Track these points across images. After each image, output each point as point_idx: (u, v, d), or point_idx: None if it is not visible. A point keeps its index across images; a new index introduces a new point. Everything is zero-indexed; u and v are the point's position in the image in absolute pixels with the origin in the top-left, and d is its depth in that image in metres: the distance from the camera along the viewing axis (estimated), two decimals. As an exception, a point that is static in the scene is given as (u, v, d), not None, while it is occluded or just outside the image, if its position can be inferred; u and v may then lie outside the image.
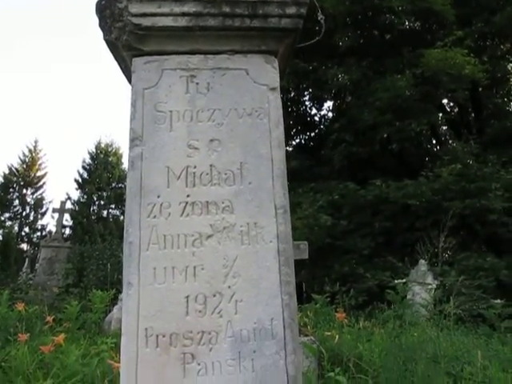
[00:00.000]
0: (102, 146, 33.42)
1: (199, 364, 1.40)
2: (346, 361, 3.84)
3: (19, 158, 31.80)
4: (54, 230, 28.11)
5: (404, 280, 7.65)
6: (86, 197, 31.52)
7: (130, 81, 1.68)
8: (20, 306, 4.71)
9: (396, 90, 11.41)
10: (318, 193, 11.40)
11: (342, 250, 10.54)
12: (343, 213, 11.03)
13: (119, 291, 6.58)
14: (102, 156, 32.82)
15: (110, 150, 33.58)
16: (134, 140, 1.54)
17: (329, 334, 4.44)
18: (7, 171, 31.04)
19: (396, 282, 6.53)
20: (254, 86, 1.64)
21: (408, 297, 7.03)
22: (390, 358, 3.73)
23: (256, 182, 1.52)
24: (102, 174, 31.85)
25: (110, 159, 33.03)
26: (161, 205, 1.47)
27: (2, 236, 14.95)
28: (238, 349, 1.42)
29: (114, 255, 8.74)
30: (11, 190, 30.80)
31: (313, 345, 3.84)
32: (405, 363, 3.68)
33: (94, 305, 5.70)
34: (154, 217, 1.46)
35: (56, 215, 9.78)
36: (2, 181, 30.65)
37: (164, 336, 1.40)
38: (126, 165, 34.10)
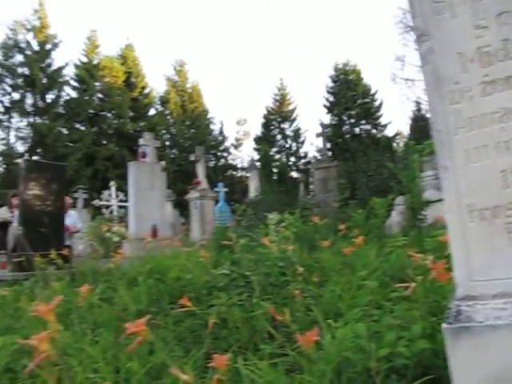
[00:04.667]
0: (340, 67, 33.81)
1: (523, 233, 1.48)
2: None
3: (272, 98, 35.02)
4: (312, 155, 30.27)
5: None
6: (336, 119, 32.84)
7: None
8: (316, 219, 5.40)
9: None
10: None
11: None
12: None
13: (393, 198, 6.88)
14: (342, 77, 33.32)
15: (347, 68, 33.77)
16: (421, 37, 1.62)
17: None
18: (266, 112, 34.68)
19: None
20: None
21: None
22: None
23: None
24: (347, 94, 32.48)
25: (351, 77, 33.28)
26: (460, 90, 1.54)
27: (277, 167, 17.19)
28: None
29: (381, 165, 9.05)
30: (272, 127, 34.44)
31: None
32: None
33: (376, 211, 6.10)
34: (456, 103, 1.55)
35: (319, 139, 10.55)
36: (264, 121, 34.50)
37: (487, 209, 1.52)
38: (366, 80, 33.81)
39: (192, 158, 11.99)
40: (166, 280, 3.71)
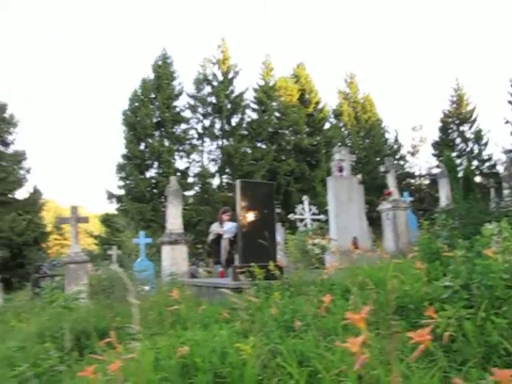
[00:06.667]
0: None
1: None
2: None
3: (449, 100, 32.87)
4: (496, 157, 27.36)
5: None
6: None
7: None
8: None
9: None
10: None
11: None
12: None
13: None
14: (529, 66, 29.72)
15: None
16: None
17: None
18: (442, 115, 32.69)
19: None
20: None
21: None
22: None
23: None
24: (537, 84, 28.85)
25: (540, 65, 29.41)
26: None
27: (462, 172, 16.05)
28: None
29: None
30: (450, 130, 32.24)
31: None
32: None
33: None
34: None
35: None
36: (441, 124, 32.53)
37: None
38: None
39: (382, 169, 12.12)
40: (380, 291, 3.80)
